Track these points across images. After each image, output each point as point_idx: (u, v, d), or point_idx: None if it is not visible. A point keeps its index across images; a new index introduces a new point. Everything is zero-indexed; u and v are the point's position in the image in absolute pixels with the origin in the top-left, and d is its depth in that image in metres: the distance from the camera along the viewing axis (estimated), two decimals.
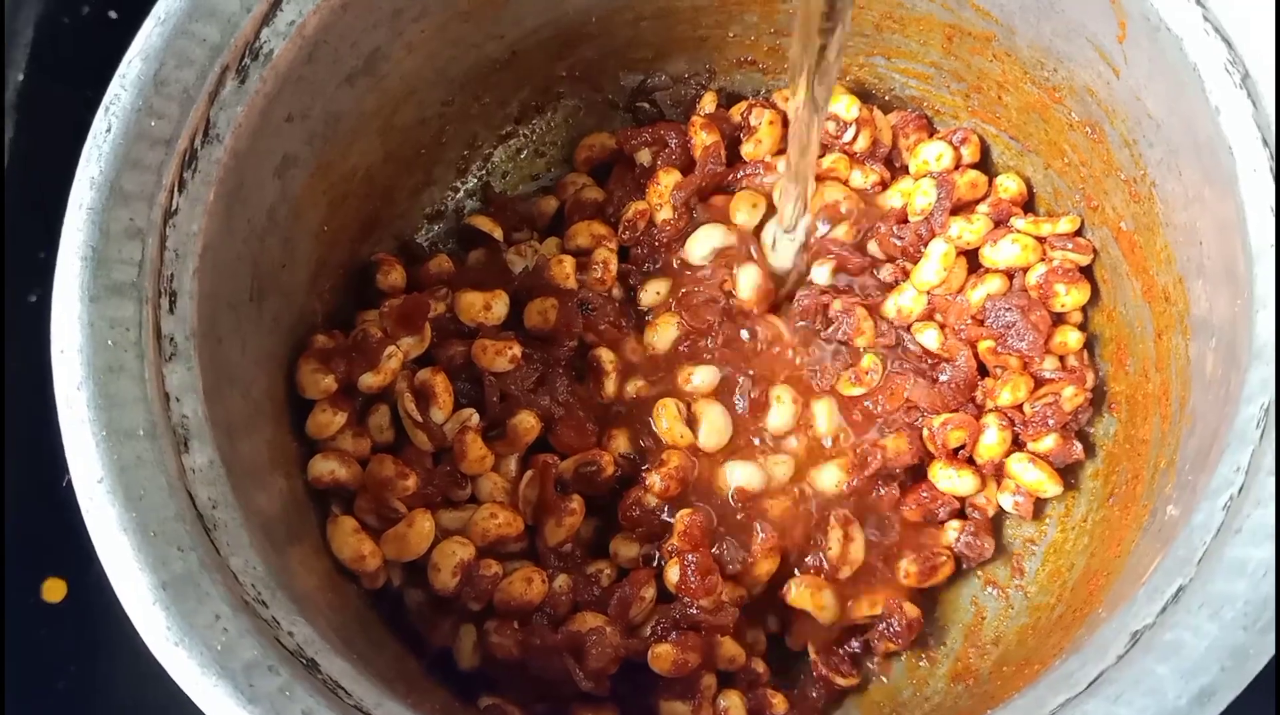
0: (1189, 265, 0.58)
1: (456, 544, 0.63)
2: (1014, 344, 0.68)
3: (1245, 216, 0.52)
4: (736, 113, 0.75)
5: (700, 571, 0.63)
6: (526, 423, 0.67)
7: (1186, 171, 0.57)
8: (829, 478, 0.67)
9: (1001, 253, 0.69)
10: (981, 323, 0.69)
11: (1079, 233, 0.69)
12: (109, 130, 0.52)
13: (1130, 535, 0.59)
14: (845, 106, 0.73)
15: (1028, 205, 0.73)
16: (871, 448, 0.67)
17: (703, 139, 0.73)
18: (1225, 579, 0.45)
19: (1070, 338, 0.69)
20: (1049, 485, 0.67)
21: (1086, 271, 0.69)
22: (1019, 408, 0.68)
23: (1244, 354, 0.50)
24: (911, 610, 0.66)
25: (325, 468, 0.63)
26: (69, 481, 0.48)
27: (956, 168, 0.73)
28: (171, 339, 0.52)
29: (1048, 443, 0.67)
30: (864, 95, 0.75)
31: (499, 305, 0.70)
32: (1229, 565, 0.45)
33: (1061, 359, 0.69)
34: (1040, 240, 0.69)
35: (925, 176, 0.72)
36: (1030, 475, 0.67)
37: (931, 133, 0.74)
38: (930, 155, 0.73)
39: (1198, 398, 0.56)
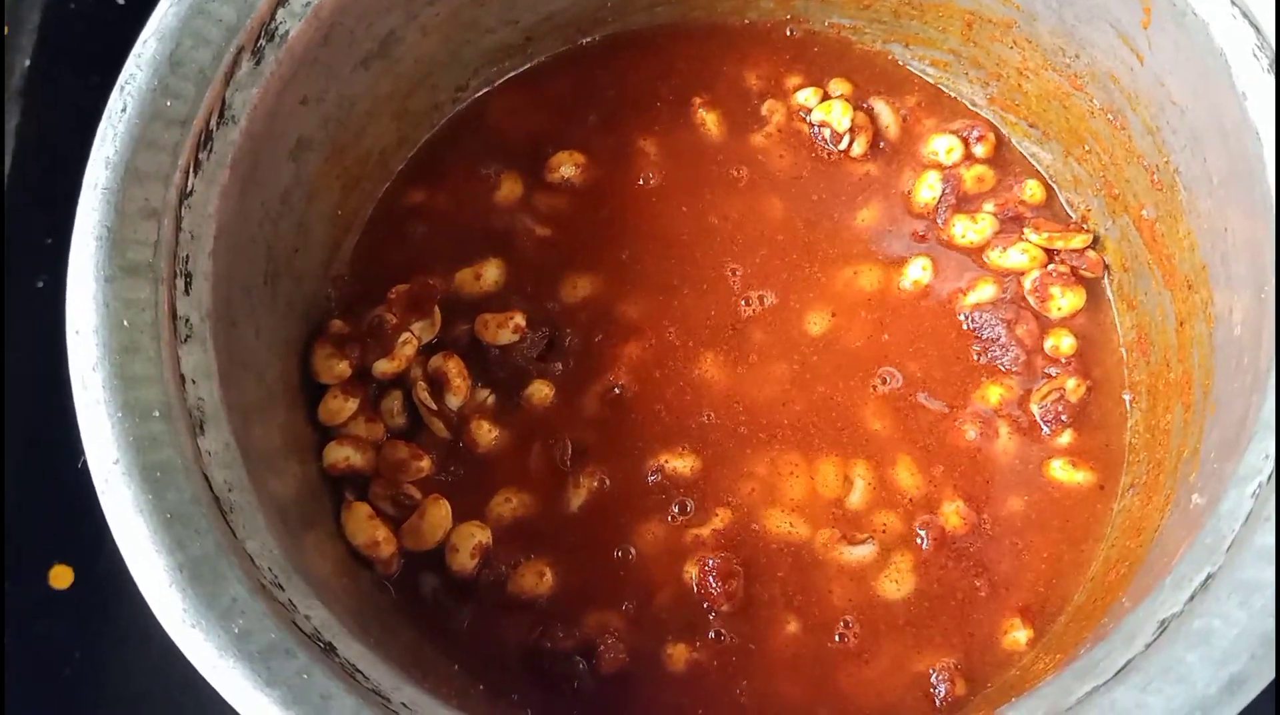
0: (1213, 253, 0.58)
1: (475, 527, 0.63)
2: (998, 358, 0.68)
3: (1272, 203, 0.51)
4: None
5: (721, 575, 0.63)
6: (540, 392, 0.67)
7: (1211, 158, 0.57)
8: (893, 587, 0.64)
9: (1009, 259, 0.69)
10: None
11: (1092, 246, 0.69)
12: (124, 110, 0.52)
13: (1152, 524, 0.58)
14: (838, 116, 0.72)
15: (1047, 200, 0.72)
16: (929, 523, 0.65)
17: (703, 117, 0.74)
18: (1255, 566, 0.45)
19: (1063, 343, 0.68)
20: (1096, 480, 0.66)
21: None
22: (1023, 407, 0.68)
23: (1270, 340, 0.50)
24: (961, 687, 0.62)
25: (340, 454, 0.62)
26: (84, 463, 0.48)
27: (966, 160, 0.72)
28: (187, 320, 0.52)
29: (1066, 438, 0.67)
30: (880, 83, 0.75)
31: (489, 271, 0.69)
32: (1258, 552, 0.45)
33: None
34: (1050, 253, 0.69)
35: (933, 168, 0.72)
36: (1080, 476, 0.66)
37: (946, 121, 0.74)
38: (941, 147, 0.72)
39: (1222, 386, 0.56)
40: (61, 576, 0.74)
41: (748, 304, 0.70)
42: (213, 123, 0.54)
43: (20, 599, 0.73)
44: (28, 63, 0.85)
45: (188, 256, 0.53)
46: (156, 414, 0.49)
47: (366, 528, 0.61)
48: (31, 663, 0.72)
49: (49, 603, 0.74)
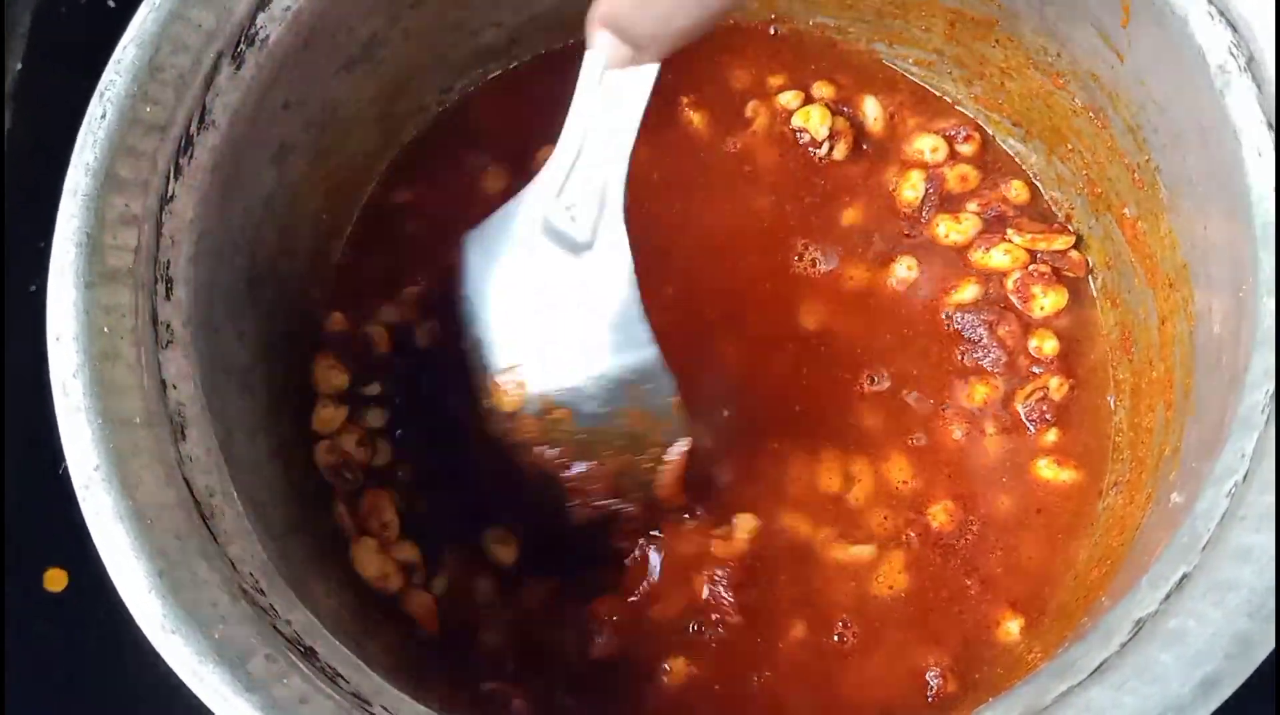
0: (1193, 251, 0.58)
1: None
2: (981, 358, 0.68)
3: (1250, 201, 0.51)
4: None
5: (733, 585, 0.63)
6: None
7: (1191, 156, 0.57)
8: (886, 585, 0.64)
9: (993, 260, 0.69)
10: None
11: (1075, 246, 0.70)
12: (104, 116, 0.52)
13: (1133, 522, 0.58)
14: (816, 124, 0.72)
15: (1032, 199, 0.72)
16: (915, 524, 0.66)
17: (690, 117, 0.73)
18: (1230, 565, 0.45)
19: (1046, 344, 0.68)
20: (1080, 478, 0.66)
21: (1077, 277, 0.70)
22: (1008, 407, 0.68)
23: (1248, 340, 0.50)
24: (952, 684, 0.63)
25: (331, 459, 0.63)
26: (65, 469, 0.48)
27: (950, 159, 0.72)
28: (168, 326, 0.52)
29: (1051, 436, 0.67)
30: (865, 82, 0.75)
31: None
32: (1233, 552, 0.45)
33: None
34: (1032, 253, 0.70)
35: (917, 168, 0.72)
36: (1065, 475, 0.66)
37: (931, 120, 0.74)
38: (925, 147, 0.72)
39: (1202, 384, 0.56)
40: (56, 579, 0.74)
41: (736, 303, 0.70)
42: (193, 128, 0.54)
43: (15, 602, 0.73)
44: (19, 66, 0.85)
45: (168, 262, 0.53)
46: (137, 420, 0.49)
47: (376, 561, 0.62)
48: (28, 666, 0.72)
49: (44, 606, 0.74)
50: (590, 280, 0.56)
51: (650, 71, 0.53)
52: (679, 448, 0.60)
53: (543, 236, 0.57)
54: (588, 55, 0.53)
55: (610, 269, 0.56)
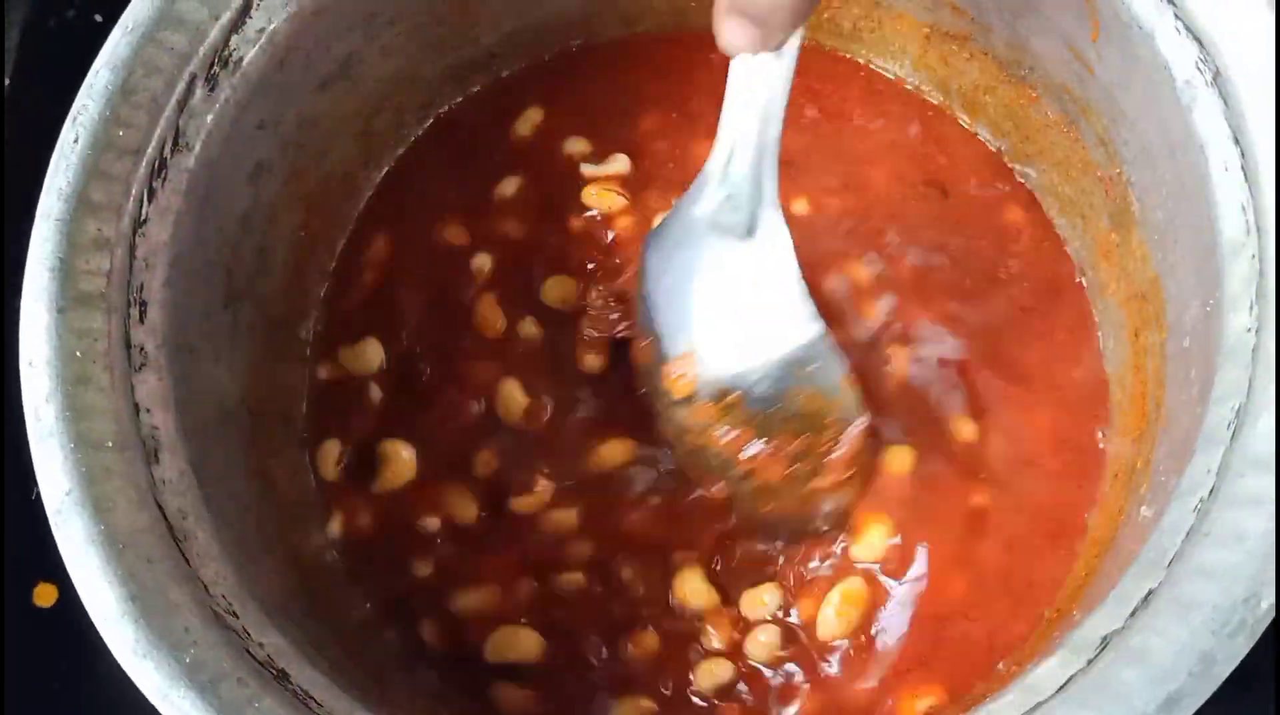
0: (1164, 264, 0.58)
1: None
2: None
3: (1217, 215, 0.51)
4: None
5: None
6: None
7: (1160, 169, 0.57)
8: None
9: None
10: None
11: None
12: (76, 141, 0.52)
13: (1107, 536, 0.58)
14: None
15: None
16: None
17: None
18: (1194, 582, 0.45)
19: None
20: None
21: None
22: None
23: (1215, 354, 0.50)
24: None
25: None
26: (38, 494, 0.48)
27: None
28: (141, 349, 0.52)
29: None
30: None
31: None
32: (1198, 569, 0.45)
33: None
34: None
35: None
36: None
37: None
38: None
39: (1173, 397, 0.56)
40: (46, 595, 0.75)
41: None
42: (166, 151, 0.54)
43: (5, 617, 0.73)
44: (8, 81, 0.85)
45: (142, 285, 0.53)
46: (110, 444, 0.49)
47: None
48: (16, 681, 0.72)
49: (34, 621, 0.74)
50: (755, 264, 0.59)
51: (789, 53, 0.53)
52: (857, 426, 0.60)
53: (709, 228, 0.59)
54: (725, 48, 0.52)
55: (772, 252, 0.58)
